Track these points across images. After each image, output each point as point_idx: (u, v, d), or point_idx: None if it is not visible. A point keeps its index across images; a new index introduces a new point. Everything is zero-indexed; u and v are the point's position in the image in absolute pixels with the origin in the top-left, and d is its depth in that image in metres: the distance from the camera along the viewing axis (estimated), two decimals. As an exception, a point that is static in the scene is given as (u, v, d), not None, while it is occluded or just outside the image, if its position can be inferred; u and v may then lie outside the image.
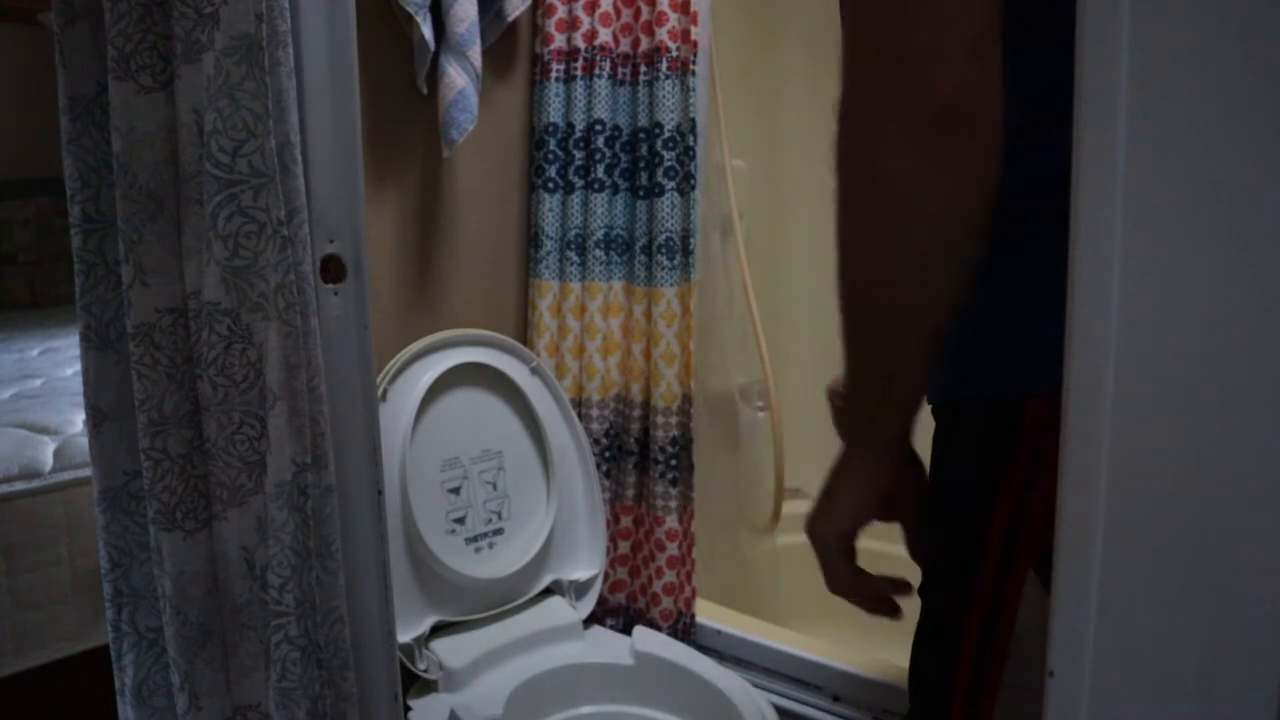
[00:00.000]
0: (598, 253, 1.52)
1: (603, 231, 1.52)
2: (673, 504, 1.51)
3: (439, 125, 1.34)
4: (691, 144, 1.46)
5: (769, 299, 1.85)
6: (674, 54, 1.43)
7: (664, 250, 1.47)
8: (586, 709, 1.34)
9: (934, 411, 0.73)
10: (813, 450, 2.02)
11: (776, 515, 1.76)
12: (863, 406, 0.70)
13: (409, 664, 1.26)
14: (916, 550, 0.77)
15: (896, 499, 0.72)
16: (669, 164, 1.45)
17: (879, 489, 0.70)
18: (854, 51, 0.61)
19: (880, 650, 1.38)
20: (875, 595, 0.73)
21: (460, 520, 1.38)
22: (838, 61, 0.62)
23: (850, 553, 0.72)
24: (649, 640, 1.38)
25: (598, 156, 1.51)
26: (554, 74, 1.50)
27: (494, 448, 1.43)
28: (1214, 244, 0.35)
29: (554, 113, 1.51)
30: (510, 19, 1.43)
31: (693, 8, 1.43)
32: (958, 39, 0.55)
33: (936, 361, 0.65)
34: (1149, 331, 0.36)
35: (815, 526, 0.74)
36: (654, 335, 1.49)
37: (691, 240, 1.49)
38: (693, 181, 1.47)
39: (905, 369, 0.66)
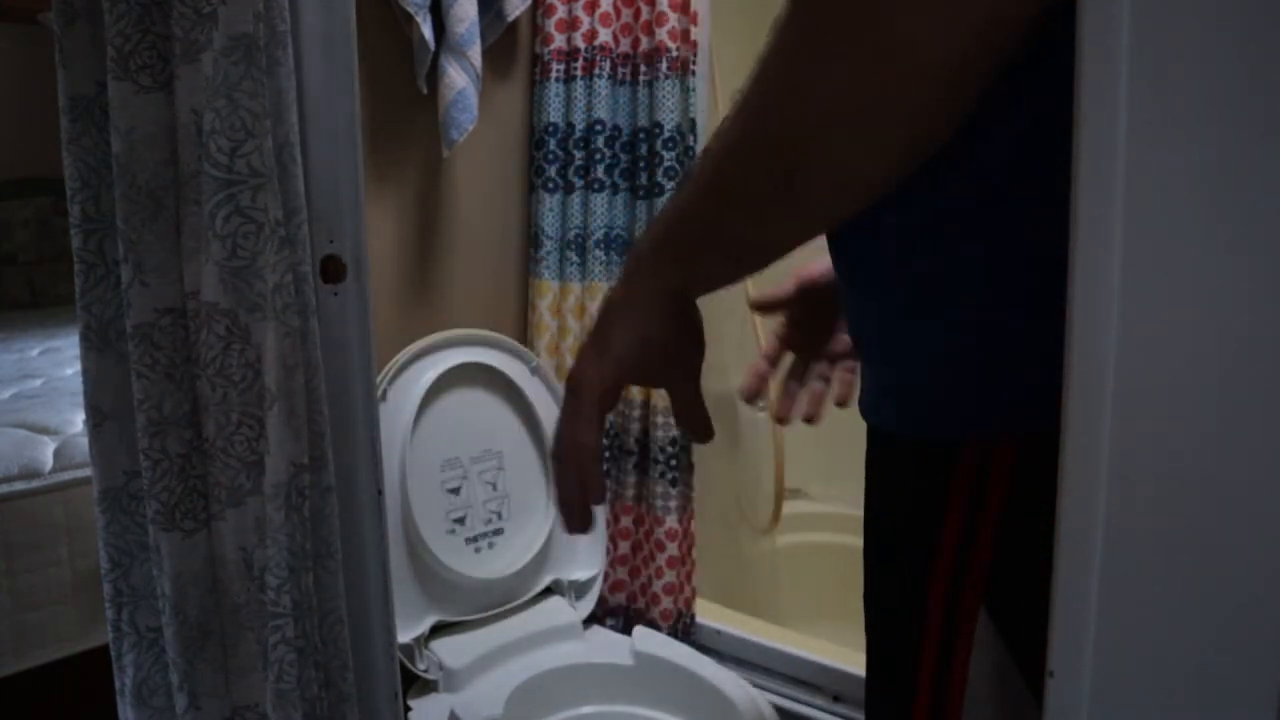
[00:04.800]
0: (598, 253, 1.52)
1: (603, 231, 1.52)
2: (672, 504, 1.51)
3: (439, 125, 1.34)
4: (691, 144, 1.46)
5: (769, 299, 1.84)
6: (674, 54, 1.43)
7: (664, 250, 1.47)
8: (586, 709, 1.34)
9: (870, 432, 0.67)
10: (813, 450, 2.02)
11: (776, 515, 1.76)
12: (679, 247, 0.61)
13: (409, 664, 1.26)
14: (681, 417, 0.68)
15: (667, 359, 0.65)
16: (669, 164, 1.45)
17: (649, 339, 0.63)
18: None
19: (880, 650, 1.38)
20: (583, 481, 0.65)
21: (460, 520, 1.38)
22: None
23: (602, 412, 0.64)
24: (649, 640, 1.38)
25: (598, 156, 1.51)
26: (554, 74, 1.50)
27: (494, 448, 1.43)
28: (1214, 244, 0.35)
29: (554, 113, 1.51)
30: (510, 19, 1.43)
31: (693, 8, 1.43)
32: None
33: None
34: (1149, 331, 0.36)
35: (579, 367, 0.65)
36: (654, 335, 1.49)
37: (691, 240, 1.49)
38: (693, 181, 1.47)
39: (765, 252, 0.57)
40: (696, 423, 0.68)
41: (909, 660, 0.64)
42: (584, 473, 0.64)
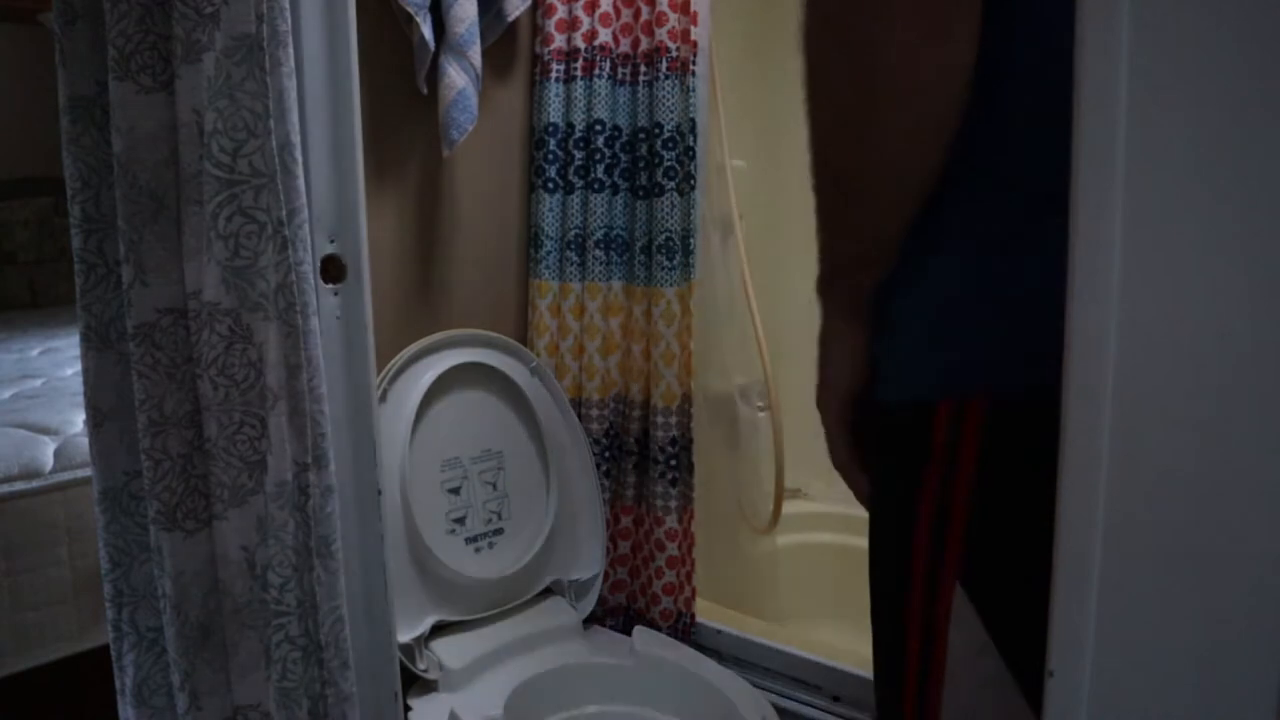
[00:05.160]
0: (598, 253, 1.52)
1: (603, 231, 1.52)
2: (672, 504, 1.51)
3: (439, 125, 1.34)
4: (691, 144, 1.46)
5: (769, 299, 1.85)
6: (674, 54, 1.43)
7: (664, 250, 1.47)
8: (586, 709, 1.34)
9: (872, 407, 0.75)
10: (813, 450, 2.02)
11: (776, 515, 1.76)
12: (839, 279, 0.72)
13: (409, 664, 1.26)
14: None
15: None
16: (669, 164, 1.45)
17: (860, 352, 0.72)
18: None
19: (880, 650, 1.38)
20: (857, 493, 0.76)
21: (460, 520, 1.38)
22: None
23: (850, 424, 0.75)
24: (649, 640, 1.38)
25: (598, 156, 1.51)
26: (554, 74, 1.50)
27: (494, 448, 1.43)
28: (1214, 243, 0.35)
29: (554, 113, 1.51)
30: (510, 19, 1.43)
31: (693, 8, 1.43)
32: None
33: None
34: (1149, 331, 0.36)
35: (819, 397, 0.77)
36: (654, 335, 1.49)
37: (691, 240, 1.49)
38: (693, 181, 1.48)
39: (878, 245, 0.68)
40: None
41: (899, 633, 0.68)
42: (850, 485, 0.77)
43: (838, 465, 0.77)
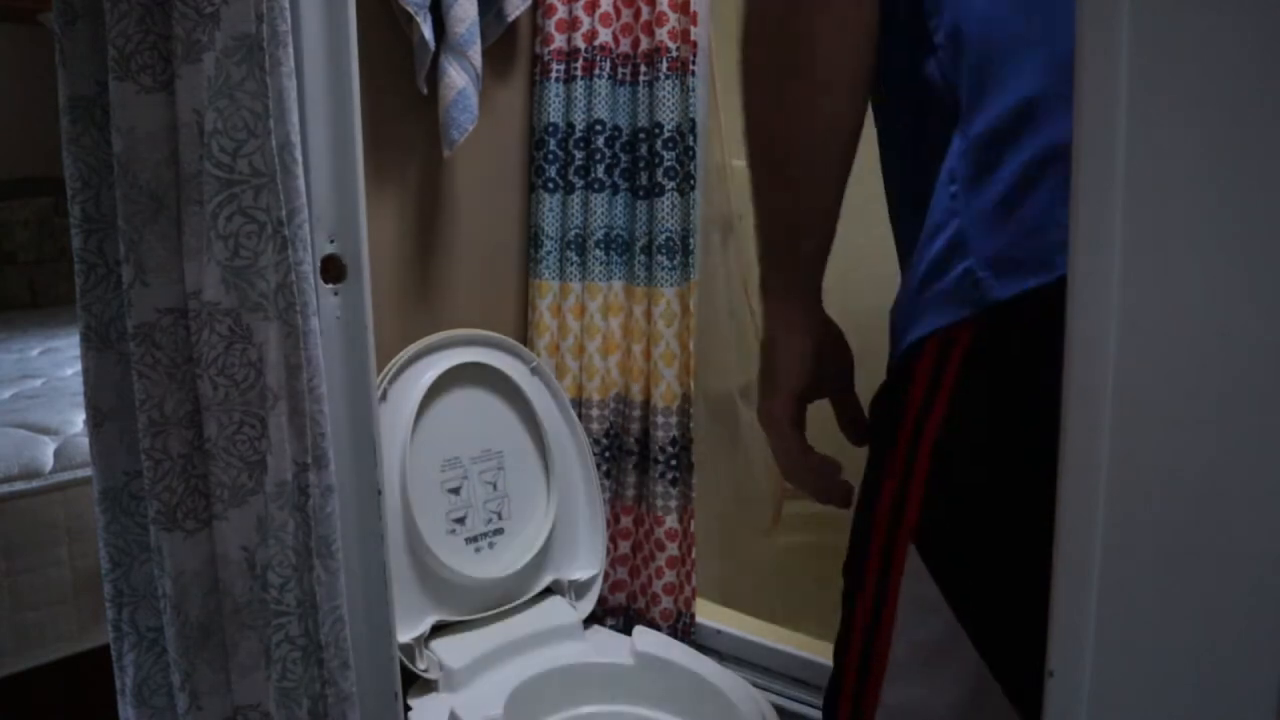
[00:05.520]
0: (598, 253, 1.52)
1: (603, 231, 1.52)
2: (673, 504, 1.51)
3: (439, 125, 1.34)
4: (691, 144, 1.46)
5: (769, 299, 1.85)
6: (674, 54, 1.43)
7: (664, 250, 1.47)
8: (586, 709, 1.34)
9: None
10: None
11: (776, 515, 1.76)
12: (771, 262, 0.77)
13: (409, 664, 1.26)
14: (844, 427, 0.82)
15: (824, 371, 0.79)
16: (669, 164, 1.45)
17: (803, 354, 0.77)
18: None
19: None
20: (825, 478, 0.78)
21: (460, 520, 1.39)
22: None
23: (797, 430, 0.78)
24: (649, 640, 1.38)
25: (598, 156, 1.51)
26: (554, 74, 1.50)
27: (494, 447, 1.43)
28: (1214, 243, 0.35)
29: (554, 113, 1.51)
30: (510, 19, 1.43)
31: (693, 8, 1.43)
32: None
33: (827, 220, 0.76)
34: (1149, 331, 0.36)
35: (760, 407, 0.79)
36: (654, 335, 1.49)
37: (691, 240, 1.49)
38: (693, 181, 1.48)
39: (805, 219, 0.75)
40: (859, 430, 0.80)
41: (858, 584, 0.71)
42: (816, 489, 0.79)
43: (789, 474, 0.80)
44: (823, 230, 0.75)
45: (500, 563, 1.40)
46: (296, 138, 0.85)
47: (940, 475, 0.64)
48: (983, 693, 0.62)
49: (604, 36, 1.48)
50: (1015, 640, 0.58)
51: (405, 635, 1.26)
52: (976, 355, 0.63)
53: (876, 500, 0.69)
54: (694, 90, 1.45)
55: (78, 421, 1.46)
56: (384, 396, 1.30)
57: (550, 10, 1.49)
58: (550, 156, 1.53)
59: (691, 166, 1.47)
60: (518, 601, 1.41)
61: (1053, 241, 0.57)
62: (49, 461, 1.33)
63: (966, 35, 0.65)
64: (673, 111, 1.44)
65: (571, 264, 1.54)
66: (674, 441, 1.51)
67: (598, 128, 1.50)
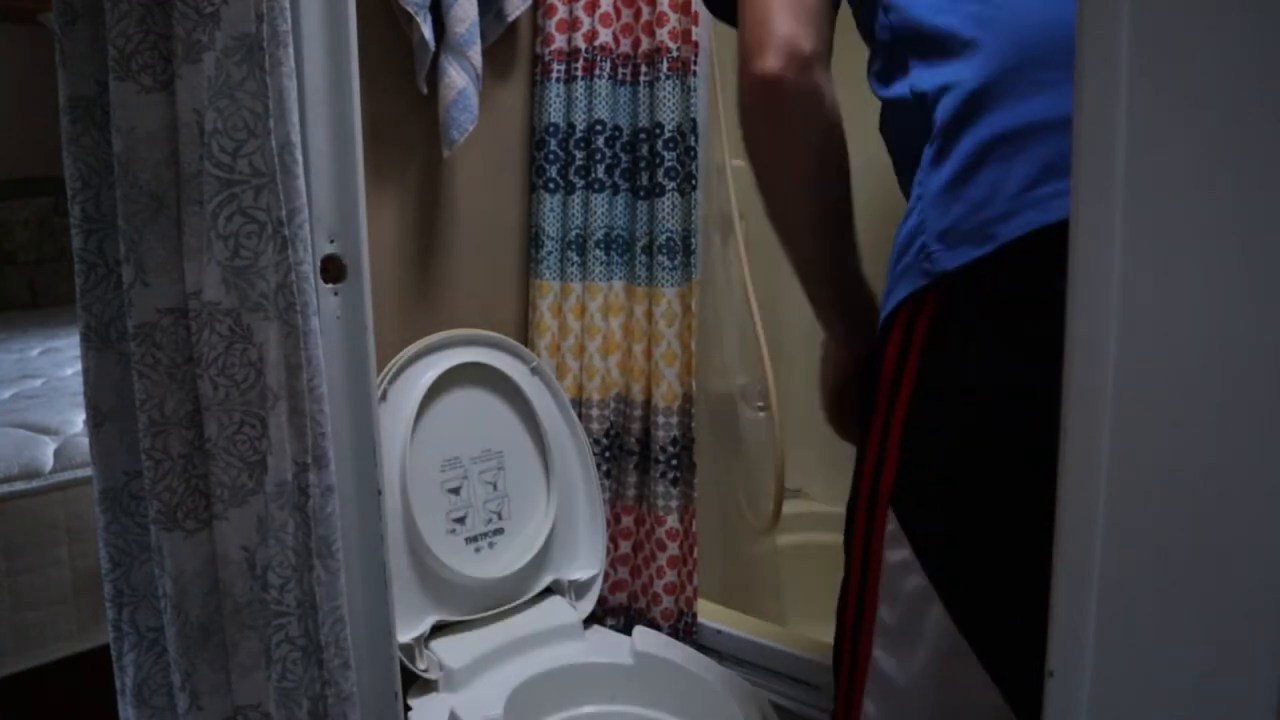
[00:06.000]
0: (598, 253, 1.52)
1: (603, 231, 1.52)
2: (674, 504, 1.51)
3: (439, 125, 1.34)
4: (692, 144, 1.46)
5: (769, 299, 1.85)
6: (675, 54, 1.43)
7: (665, 250, 1.47)
8: (586, 709, 1.34)
9: None
10: (813, 450, 2.02)
11: (776, 515, 1.76)
12: (811, 291, 0.93)
13: (409, 664, 1.26)
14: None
15: (842, 406, 0.99)
16: (670, 164, 1.45)
17: (851, 352, 0.95)
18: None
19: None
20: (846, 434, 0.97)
21: (460, 520, 1.39)
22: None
23: (841, 399, 0.99)
24: (649, 640, 1.38)
25: (598, 157, 1.51)
26: (554, 74, 1.50)
27: (494, 448, 1.43)
28: (1214, 243, 0.35)
29: (554, 113, 1.51)
30: (510, 19, 1.43)
31: (693, 8, 1.43)
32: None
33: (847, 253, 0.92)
34: (1149, 331, 0.36)
35: (821, 374, 1.01)
36: (655, 335, 1.49)
37: (692, 240, 1.49)
38: (693, 181, 1.47)
39: (821, 256, 0.90)
40: None
41: (848, 559, 0.80)
42: (844, 425, 1.01)
43: (831, 420, 1.02)
44: (842, 260, 0.92)
45: (500, 563, 1.40)
46: (297, 138, 0.85)
47: (911, 441, 0.71)
48: (955, 654, 0.69)
49: (604, 37, 1.48)
50: (984, 599, 0.64)
51: (405, 635, 1.26)
52: (938, 324, 0.71)
53: (863, 464, 0.76)
54: (695, 90, 1.45)
55: (78, 421, 1.46)
56: (384, 396, 1.30)
57: (550, 10, 1.49)
58: (551, 156, 1.53)
59: (692, 167, 1.47)
60: (518, 601, 1.41)
61: (994, 215, 0.66)
62: (49, 461, 1.33)
63: (913, 25, 0.77)
64: (673, 112, 1.44)
65: (572, 264, 1.54)
66: (675, 441, 1.50)
67: (598, 128, 1.50)
